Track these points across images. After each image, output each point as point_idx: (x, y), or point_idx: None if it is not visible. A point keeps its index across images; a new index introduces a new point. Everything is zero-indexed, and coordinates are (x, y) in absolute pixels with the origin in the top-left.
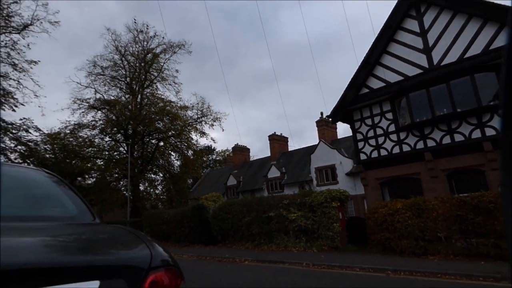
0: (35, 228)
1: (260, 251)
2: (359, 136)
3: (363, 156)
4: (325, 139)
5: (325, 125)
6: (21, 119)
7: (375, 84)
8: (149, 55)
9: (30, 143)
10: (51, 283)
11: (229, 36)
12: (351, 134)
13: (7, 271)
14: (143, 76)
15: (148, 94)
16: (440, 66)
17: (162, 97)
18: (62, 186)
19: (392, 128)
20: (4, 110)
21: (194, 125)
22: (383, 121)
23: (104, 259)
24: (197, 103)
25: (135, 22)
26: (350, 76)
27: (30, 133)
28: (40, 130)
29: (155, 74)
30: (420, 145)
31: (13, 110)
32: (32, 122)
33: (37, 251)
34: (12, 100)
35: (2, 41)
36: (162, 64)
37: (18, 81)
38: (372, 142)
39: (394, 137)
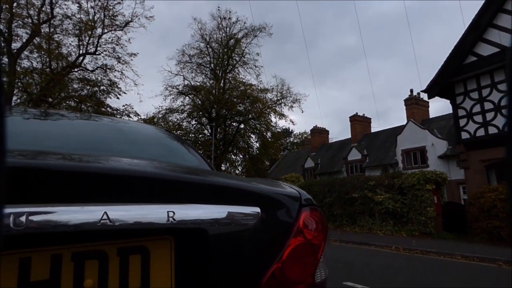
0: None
1: (343, 232)
2: (461, 113)
3: (465, 135)
4: (414, 119)
5: (415, 104)
6: (123, 105)
7: (485, 50)
8: (232, 40)
9: None
10: (219, 201)
11: (309, 14)
12: (444, 113)
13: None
14: (226, 62)
15: (230, 79)
16: None
17: (244, 80)
18: (181, 141)
19: (506, 101)
20: (110, 98)
21: (274, 107)
22: (494, 93)
23: (262, 188)
24: (277, 85)
25: (218, 10)
26: (450, 47)
27: (130, 117)
28: (138, 115)
29: (237, 59)
30: None
31: (118, 98)
32: (132, 108)
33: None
34: (116, 89)
35: (109, 38)
36: (243, 48)
37: (122, 72)
38: (478, 118)
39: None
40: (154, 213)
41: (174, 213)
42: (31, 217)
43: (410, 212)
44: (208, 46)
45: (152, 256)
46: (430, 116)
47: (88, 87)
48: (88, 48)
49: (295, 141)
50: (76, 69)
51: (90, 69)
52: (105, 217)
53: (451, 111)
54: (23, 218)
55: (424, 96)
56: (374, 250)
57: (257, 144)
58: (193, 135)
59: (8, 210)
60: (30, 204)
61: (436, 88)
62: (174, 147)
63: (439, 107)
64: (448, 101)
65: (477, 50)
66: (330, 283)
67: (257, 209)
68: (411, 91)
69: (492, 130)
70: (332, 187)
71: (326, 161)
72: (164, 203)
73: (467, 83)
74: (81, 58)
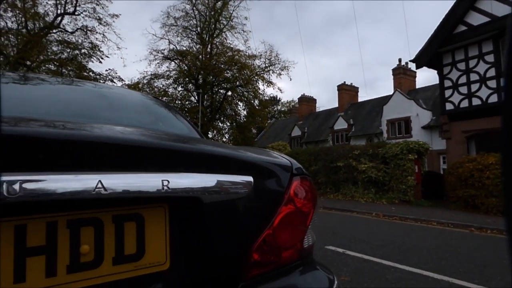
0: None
1: (326, 199)
2: (447, 83)
3: (449, 106)
4: (401, 89)
5: (403, 73)
6: (106, 70)
7: (476, 19)
8: (219, 2)
9: None
10: (213, 170)
11: None
12: (430, 84)
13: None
14: (213, 26)
15: (217, 44)
16: None
17: (231, 46)
18: (169, 108)
19: (491, 73)
20: (92, 62)
21: (262, 75)
22: (480, 64)
23: (255, 158)
24: (265, 52)
25: None
26: (442, 15)
27: (114, 82)
28: (122, 80)
29: (224, 22)
30: None
31: (100, 62)
32: (116, 73)
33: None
34: (99, 53)
35: None
36: (231, 12)
37: (103, 35)
38: (463, 89)
39: (492, 83)
40: (148, 181)
41: (168, 181)
42: (24, 185)
43: (391, 181)
44: (194, 8)
45: (147, 223)
46: (417, 87)
47: (68, 50)
48: (67, 7)
49: (282, 109)
50: (54, 31)
51: (70, 31)
52: (99, 185)
53: (437, 82)
54: (16, 186)
55: (412, 66)
56: (355, 217)
57: (245, 112)
58: (179, 102)
59: (1, 178)
60: (24, 172)
61: (424, 57)
62: (163, 114)
63: (426, 77)
64: (435, 72)
65: (468, 19)
66: (314, 247)
67: (250, 178)
68: (400, 60)
69: (476, 101)
70: (318, 156)
71: (313, 130)
72: (158, 172)
73: (455, 53)
74: (59, 18)
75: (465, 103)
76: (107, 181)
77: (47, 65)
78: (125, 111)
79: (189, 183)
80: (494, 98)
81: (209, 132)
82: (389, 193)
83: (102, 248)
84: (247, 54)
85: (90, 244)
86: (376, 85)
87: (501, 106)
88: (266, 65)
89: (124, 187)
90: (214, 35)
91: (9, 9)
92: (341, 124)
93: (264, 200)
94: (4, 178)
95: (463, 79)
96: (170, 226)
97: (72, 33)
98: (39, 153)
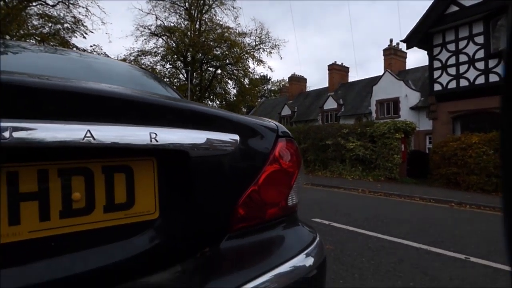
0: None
1: (314, 177)
2: (437, 64)
3: (437, 87)
4: (391, 69)
5: (393, 54)
6: (91, 46)
7: (467, 0)
8: None
9: None
10: (201, 127)
11: None
12: (420, 65)
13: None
14: (202, 1)
15: (206, 20)
16: None
17: (221, 23)
18: (158, 79)
19: (480, 54)
20: (76, 37)
21: (252, 53)
22: (470, 46)
23: (241, 118)
24: (256, 29)
25: None
26: None
27: None
28: (108, 56)
29: None
30: None
31: (84, 37)
32: (101, 49)
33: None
34: (82, 28)
35: None
36: None
37: (87, 8)
38: (452, 70)
39: (480, 65)
40: (137, 134)
41: (156, 134)
42: (15, 132)
43: (378, 159)
44: None
45: (136, 175)
46: (407, 68)
47: (50, 24)
48: None
49: (272, 88)
50: (34, 3)
51: (51, 4)
52: (88, 134)
53: (427, 64)
54: (6, 133)
55: (403, 46)
56: (342, 193)
57: (234, 91)
58: (167, 80)
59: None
60: (14, 119)
61: (415, 38)
62: (151, 83)
63: (416, 59)
64: (425, 53)
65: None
66: (301, 219)
67: (236, 137)
68: (391, 41)
69: (463, 82)
70: (307, 134)
71: (302, 109)
72: (146, 125)
73: (446, 34)
74: None
75: (453, 84)
76: (96, 132)
77: (27, 40)
78: (113, 78)
79: (177, 137)
80: (481, 80)
81: None
82: (375, 171)
83: (93, 197)
84: (237, 31)
85: (81, 192)
86: (367, 65)
87: (501, 85)
88: (257, 43)
89: (112, 138)
90: (203, 11)
91: None
92: (331, 104)
93: (250, 158)
94: None
95: (452, 60)
96: (159, 178)
97: (53, 6)
98: (29, 101)
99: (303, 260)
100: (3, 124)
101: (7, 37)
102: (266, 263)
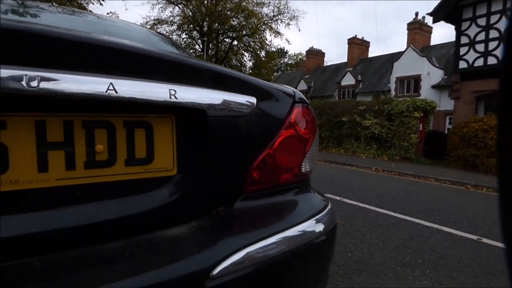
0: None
1: (328, 153)
2: (464, 40)
3: (463, 64)
4: (415, 45)
5: (418, 28)
6: (107, 13)
7: None
8: None
9: None
10: (219, 88)
11: None
12: (445, 41)
13: None
14: None
15: None
16: None
17: None
18: (176, 45)
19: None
20: (93, 3)
21: (269, 24)
22: (502, 21)
23: (259, 81)
24: None
25: None
26: None
27: None
28: None
29: None
30: None
31: (101, 4)
32: (118, 17)
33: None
34: None
35: None
36: None
37: None
38: (480, 47)
39: None
40: (157, 90)
41: (175, 91)
42: (43, 82)
43: (394, 138)
44: None
45: (156, 131)
46: (431, 43)
47: None
48: None
49: (289, 62)
50: None
51: None
52: (111, 87)
53: (453, 40)
54: (35, 82)
55: (429, 20)
56: (355, 170)
57: (250, 63)
58: None
59: (21, 72)
60: (42, 68)
61: (443, 11)
62: (169, 48)
63: (442, 34)
64: (452, 28)
65: None
66: None
67: (253, 99)
68: (416, 14)
69: (491, 60)
70: (322, 110)
71: (319, 85)
72: (166, 82)
73: (477, 7)
74: None
75: (479, 62)
76: (118, 86)
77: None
78: (134, 39)
79: (196, 96)
80: None
81: None
82: (390, 150)
83: (114, 150)
84: (255, 1)
85: (104, 145)
86: (389, 40)
87: (500, 68)
88: (275, 13)
89: (134, 93)
90: None
91: None
92: (348, 80)
93: (266, 121)
94: (24, 72)
95: (481, 36)
96: (177, 136)
97: None
98: (56, 52)
99: (313, 225)
100: (32, 73)
101: None
102: (276, 225)
